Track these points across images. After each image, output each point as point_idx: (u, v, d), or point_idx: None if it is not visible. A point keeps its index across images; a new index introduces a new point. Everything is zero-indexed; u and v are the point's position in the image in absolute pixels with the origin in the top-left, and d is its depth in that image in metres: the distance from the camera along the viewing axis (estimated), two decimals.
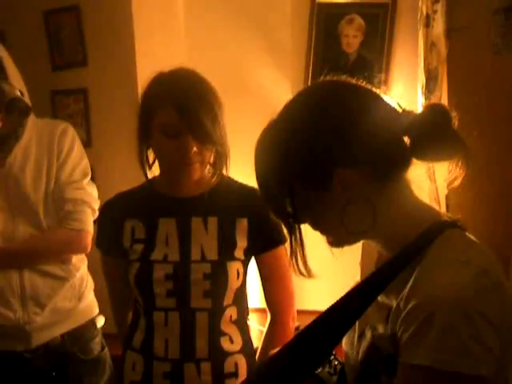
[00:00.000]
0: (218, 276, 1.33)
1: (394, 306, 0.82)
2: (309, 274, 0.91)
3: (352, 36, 2.30)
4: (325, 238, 0.93)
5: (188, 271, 1.33)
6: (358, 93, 0.87)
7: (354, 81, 0.88)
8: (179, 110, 1.25)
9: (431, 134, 0.82)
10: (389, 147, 0.85)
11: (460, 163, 0.82)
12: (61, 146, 1.64)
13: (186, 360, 1.33)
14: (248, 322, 1.49)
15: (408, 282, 0.80)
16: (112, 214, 1.43)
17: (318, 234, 0.92)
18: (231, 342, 1.38)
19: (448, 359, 0.73)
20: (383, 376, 0.84)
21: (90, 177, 1.72)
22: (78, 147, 1.69)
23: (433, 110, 0.84)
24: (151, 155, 1.37)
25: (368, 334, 0.89)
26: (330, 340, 0.87)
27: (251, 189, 1.41)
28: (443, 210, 1.33)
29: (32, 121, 1.63)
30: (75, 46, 2.26)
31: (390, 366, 0.81)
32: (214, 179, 1.38)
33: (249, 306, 2.03)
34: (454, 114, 0.82)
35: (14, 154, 1.60)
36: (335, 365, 1.04)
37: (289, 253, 0.91)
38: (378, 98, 0.87)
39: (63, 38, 2.28)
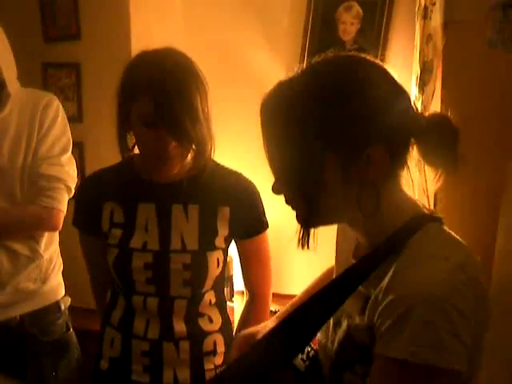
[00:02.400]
0: (197, 266, 1.32)
1: (372, 296, 0.84)
2: (309, 247, 0.91)
3: (349, 23, 2.29)
4: (295, 213, 0.92)
5: (168, 261, 1.31)
6: (390, 77, 0.87)
7: (378, 62, 0.88)
8: (156, 104, 1.19)
9: (437, 144, 0.84)
10: (406, 140, 0.86)
11: (443, 173, 0.85)
12: (43, 119, 1.58)
13: (164, 339, 1.34)
14: (232, 303, 1.50)
15: (386, 273, 0.82)
16: (90, 193, 1.40)
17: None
18: (210, 321, 1.39)
19: (424, 353, 0.74)
20: (358, 365, 0.85)
21: (69, 153, 1.65)
22: (61, 121, 1.63)
23: (442, 123, 0.85)
24: (130, 137, 1.32)
25: (344, 323, 0.90)
26: (309, 329, 0.89)
27: (236, 175, 1.40)
28: (431, 202, 1.34)
29: (13, 93, 1.56)
30: (69, 18, 2.22)
31: (365, 356, 0.83)
32: (196, 166, 1.33)
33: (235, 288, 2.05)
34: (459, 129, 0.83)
35: None
36: (308, 351, 1.06)
37: (297, 232, 0.90)
38: (403, 89, 0.88)
39: (57, 10, 2.24)
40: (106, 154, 1.71)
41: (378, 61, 0.88)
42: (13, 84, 1.57)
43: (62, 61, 2.28)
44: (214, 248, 1.34)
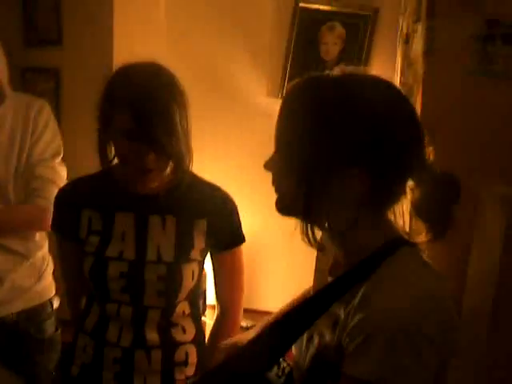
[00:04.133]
0: (172, 278, 1.32)
1: (342, 316, 0.84)
2: (318, 246, 0.92)
3: (332, 43, 2.33)
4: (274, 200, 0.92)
5: (143, 271, 1.31)
6: (412, 111, 0.89)
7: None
8: (134, 118, 1.21)
9: (436, 200, 0.85)
10: (402, 177, 0.87)
11: (432, 234, 0.86)
12: (36, 123, 1.64)
13: (136, 347, 1.33)
14: (205, 318, 1.50)
15: (357, 294, 0.83)
16: (70, 200, 1.40)
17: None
18: (183, 331, 1.38)
19: (387, 377, 0.76)
20: (328, 382, 0.86)
21: (61, 156, 1.71)
22: (53, 126, 1.69)
23: (450, 182, 0.86)
24: (110, 148, 1.33)
25: (315, 340, 0.91)
26: (281, 345, 0.89)
27: (214, 188, 1.41)
28: (406, 222, 1.36)
29: (8, 94, 1.61)
30: (50, 23, 2.20)
31: (334, 374, 0.83)
32: (175, 178, 1.33)
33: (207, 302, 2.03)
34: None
35: None
36: (284, 367, 1.07)
37: (301, 226, 0.91)
38: (420, 126, 0.89)
39: (38, 14, 2.22)
40: (84, 162, 1.70)
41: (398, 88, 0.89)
42: (7, 86, 1.61)
43: (41, 66, 2.25)
44: (190, 260, 1.34)
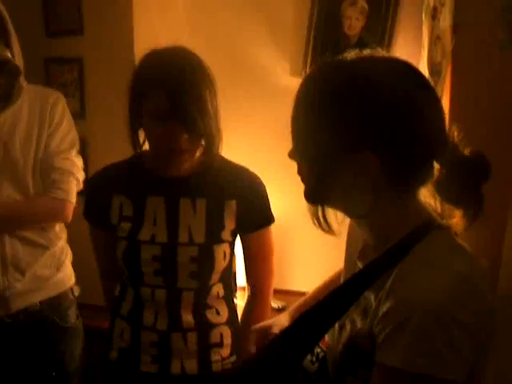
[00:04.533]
0: (204, 259, 1.34)
1: (373, 302, 0.84)
2: (330, 229, 0.92)
3: (354, 18, 2.27)
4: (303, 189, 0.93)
5: (175, 253, 1.33)
6: (430, 94, 0.86)
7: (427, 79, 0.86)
8: (169, 97, 1.23)
9: (465, 179, 0.83)
10: (424, 161, 0.85)
11: (466, 217, 0.84)
12: (52, 115, 1.65)
13: (173, 330, 1.36)
14: (236, 300, 1.52)
15: (388, 279, 0.82)
16: (101, 187, 1.43)
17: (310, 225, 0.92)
18: (217, 313, 1.41)
19: (419, 363, 0.75)
20: (360, 370, 0.86)
21: (77, 148, 1.72)
22: (69, 118, 1.70)
23: (478, 161, 0.83)
24: (142, 133, 1.36)
25: (348, 327, 0.91)
26: (315, 333, 0.89)
27: (243, 169, 1.42)
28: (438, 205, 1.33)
29: (24, 86, 1.62)
30: (72, 13, 2.20)
31: (367, 361, 0.83)
32: (204, 161, 1.37)
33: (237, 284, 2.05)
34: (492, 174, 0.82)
35: (4, 117, 1.60)
36: (318, 353, 1.07)
37: (310, 211, 0.92)
38: (440, 103, 0.86)
39: (60, 4, 2.22)
40: (109, 151, 1.72)
41: (419, 70, 0.87)
42: (23, 79, 1.62)
43: (64, 56, 2.26)
44: (221, 241, 1.36)
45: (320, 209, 0.91)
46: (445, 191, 0.86)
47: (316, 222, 0.92)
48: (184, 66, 1.27)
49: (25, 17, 2.23)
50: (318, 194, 0.90)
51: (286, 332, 0.93)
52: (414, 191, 0.87)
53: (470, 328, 0.76)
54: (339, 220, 0.94)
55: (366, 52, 0.87)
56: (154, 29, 2.20)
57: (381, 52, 0.89)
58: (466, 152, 0.84)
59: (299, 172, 0.92)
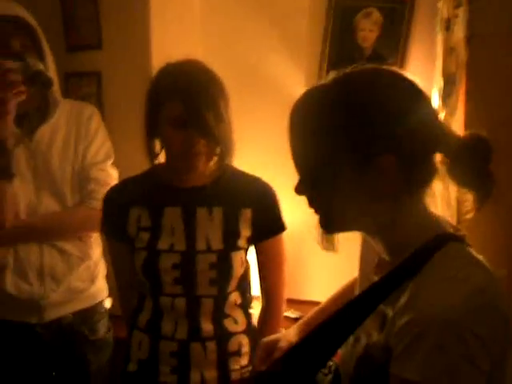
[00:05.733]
0: (223, 265, 1.37)
1: (390, 315, 0.83)
2: (334, 247, 0.93)
3: (368, 30, 2.28)
4: (317, 219, 0.92)
5: (194, 261, 1.35)
6: (416, 91, 0.87)
7: (413, 79, 0.88)
8: (185, 105, 1.27)
9: (469, 163, 0.83)
10: (427, 155, 0.85)
11: (478, 198, 0.83)
12: (88, 128, 1.71)
13: (192, 340, 1.37)
14: (251, 309, 1.53)
15: (404, 292, 0.81)
16: (117, 200, 1.45)
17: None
18: (235, 322, 1.42)
19: (436, 377, 0.74)
20: None
21: (112, 160, 1.77)
22: (103, 130, 1.76)
23: (478, 142, 0.84)
24: (157, 145, 1.39)
25: (363, 340, 0.91)
26: (329, 347, 0.89)
27: (255, 178, 1.45)
28: (454, 211, 1.33)
29: (61, 100, 1.68)
30: (91, 28, 2.24)
31: (381, 375, 0.82)
32: (217, 170, 1.40)
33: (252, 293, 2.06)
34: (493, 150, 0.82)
35: (43, 131, 1.66)
36: (330, 365, 1.07)
37: (317, 228, 0.92)
38: (429, 101, 0.88)
39: (79, 19, 2.26)
40: (127, 163, 1.74)
41: (405, 73, 0.88)
42: (58, 93, 1.69)
43: (83, 70, 2.30)
44: (238, 248, 1.39)
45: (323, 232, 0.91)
46: (454, 177, 0.85)
47: (322, 243, 0.92)
48: (199, 75, 1.32)
49: (45, 31, 2.28)
50: (338, 221, 0.90)
51: (300, 345, 0.93)
52: (419, 195, 0.87)
53: (487, 341, 0.75)
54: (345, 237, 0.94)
55: (347, 70, 0.89)
56: (171, 41, 2.24)
57: (366, 65, 0.90)
58: (465, 137, 0.85)
59: (311, 204, 0.91)
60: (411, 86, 0.86)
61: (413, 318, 0.78)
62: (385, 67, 0.89)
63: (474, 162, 0.83)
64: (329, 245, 0.93)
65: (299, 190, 0.92)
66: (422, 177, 0.86)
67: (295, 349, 0.94)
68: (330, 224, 0.91)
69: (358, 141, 0.83)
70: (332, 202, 0.87)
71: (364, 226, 0.91)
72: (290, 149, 0.91)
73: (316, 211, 0.91)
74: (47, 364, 1.70)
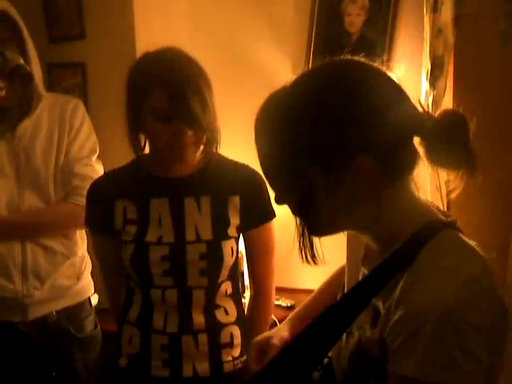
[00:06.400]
0: (213, 255, 1.35)
1: (383, 309, 0.82)
2: (315, 261, 0.88)
3: (355, 15, 2.26)
4: (303, 225, 0.88)
5: (184, 252, 1.34)
6: (378, 78, 0.84)
7: (373, 64, 0.84)
8: (170, 95, 1.24)
9: (446, 140, 0.79)
10: (403, 143, 0.82)
11: (462, 175, 0.80)
12: (72, 122, 1.67)
13: (183, 333, 1.36)
14: (244, 299, 1.53)
15: (397, 285, 0.79)
16: (102, 193, 1.42)
17: None
18: (226, 313, 1.41)
19: (436, 372, 0.73)
20: (370, 380, 0.84)
21: (97, 154, 1.74)
22: (88, 124, 1.72)
23: (451, 117, 0.80)
24: (142, 136, 1.36)
25: (355, 334, 0.89)
26: (323, 345, 0.87)
27: (242, 166, 1.43)
28: (444, 197, 1.32)
29: (43, 94, 1.64)
30: (73, 18, 2.21)
31: (376, 369, 0.81)
32: (204, 159, 1.38)
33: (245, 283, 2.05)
34: (471, 125, 0.79)
35: (25, 126, 1.62)
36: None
37: (297, 241, 0.89)
38: (395, 85, 0.84)
39: (60, 10, 2.23)
40: (113, 155, 1.72)
41: (368, 62, 0.85)
42: (41, 86, 1.64)
43: (66, 61, 2.27)
44: (228, 237, 1.37)
45: (304, 238, 0.88)
46: (435, 159, 0.82)
47: (302, 254, 0.88)
48: (180, 63, 1.29)
49: (26, 23, 2.24)
50: (325, 226, 0.87)
51: (293, 345, 0.90)
52: (403, 185, 0.85)
53: (484, 330, 0.74)
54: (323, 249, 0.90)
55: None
56: (156, 29, 2.21)
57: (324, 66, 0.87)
58: (439, 115, 0.82)
59: (295, 212, 0.88)
60: (378, 77, 0.83)
61: (407, 313, 0.76)
62: (342, 61, 0.86)
63: (450, 138, 0.79)
64: (310, 258, 0.89)
65: (280, 200, 0.89)
66: (402, 165, 0.84)
67: (289, 349, 0.92)
68: (317, 230, 0.88)
69: (329, 150, 0.80)
70: (315, 210, 0.85)
71: (352, 226, 0.89)
72: (261, 161, 0.88)
73: (303, 219, 0.88)
74: (33, 362, 1.68)
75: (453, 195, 0.83)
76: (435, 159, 0.82)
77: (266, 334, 1.16)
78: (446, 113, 0.82)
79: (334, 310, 0.86)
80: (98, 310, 1.82)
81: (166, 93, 1.24)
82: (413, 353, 0.74)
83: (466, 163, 0.79)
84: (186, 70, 1.28)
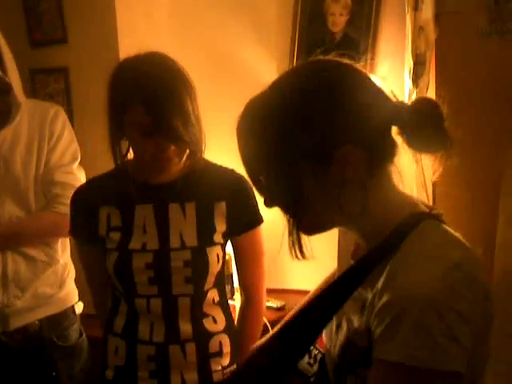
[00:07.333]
0: (198, 262, 1.33)
1: (369, 298, 0.82)
2: (303, 256, 0.88)
3: (338, 14, 2.27)
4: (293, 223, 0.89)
5: (168, 259, 1.31)
6: (353, 73, 0.86)
7: (347, 61, 0.86)
8: (149, 111, 1.21)
9: (421, 126, 0.82)
10: (383, 133, 0.84)
11: (441, 157, 0.82)
12: (52, 129, 1.63)
13: (170, 342, 1.33)
14: (234, 301, 1.50)
15: (382, 274, 0.81)
16: (85, 200, 1.39)
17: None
18: (214, 322, 1.38)
19: (419, 356, 0.73)
20: (361, 368, 0.84)
21: (78, 161, 1.71)
22: (69, 131, 1.68)
23: (424, 104, 0.83)
24: (124, 143, 1.33)
25: (344, 326, 0.90)
26: (309, 334, 0.88)
27: (228, 170, 1.41)
28: (429, 193, 1.33)
29: (22, 102, 1.61)
30: (55, 22, 2.19)
31: (367, 358, 0.81)
32: (189, 165, 1.35)
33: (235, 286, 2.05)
34: (444, 109, 0.82)
35: (4, 135, 1.59)
36: (315, 354, 1.05)
37: (287, 237, 0.88)
38: (370, 80, 0.86)
39: (42, 14, 2.21)
40: (97, 161, 1.70)
41: (343, 61, 0.87)
42: (20, 94, 1.61)
43: (49, 65, 2.25)
44: (213, 244, 1.35)
45: (294, 234, 0.88)
46: (414, 144, 0.84)
47: (293, 251, 0.88)
48: (160, 75, 1.24)
49: (7, 28, 2.22)
50: (316, 224, 0.88)
51: (279, 334, 0.92)
52: (385, 177, 0.86)
53: (466, 316, 0.75)
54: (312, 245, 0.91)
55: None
56: (138, 31, 2.19)
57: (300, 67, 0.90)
58: (412, 103, 0.85)
59: (286, 212, 0.88)
60: (350, 72, 0.86)
61: (391, 299, 0.77)
62: (320, 59, 0.88)
63: (426, 123, 0.82)
64: (300, 253, 0.90)
65: (269, 203, 0.89)
66: (383, 154, 0.85)
67: (275, 338, 0.93)
68: (309, 227, 0.89)
69: (310, 145, 0.81)
70: (306, 207, 0.85)
71: (341, 220, 0.89)
72: (244, 165, 0.89)
73: (296, 219, 0.88)
74: (15, 373, 1.63)
75: (433, 177, 0.84)
76: (414, 144, 0.84)
77: (263, 340, 1.15)
78: (419, 101, 0.86)
79: (320, 298, 0.87)
80: (85, 315, 1.79)
81: (145, 108, 1.21)
82: (396, 337, 0.75)
83: (442, 145, 0.82)
84: (166, 83, 1.23)
